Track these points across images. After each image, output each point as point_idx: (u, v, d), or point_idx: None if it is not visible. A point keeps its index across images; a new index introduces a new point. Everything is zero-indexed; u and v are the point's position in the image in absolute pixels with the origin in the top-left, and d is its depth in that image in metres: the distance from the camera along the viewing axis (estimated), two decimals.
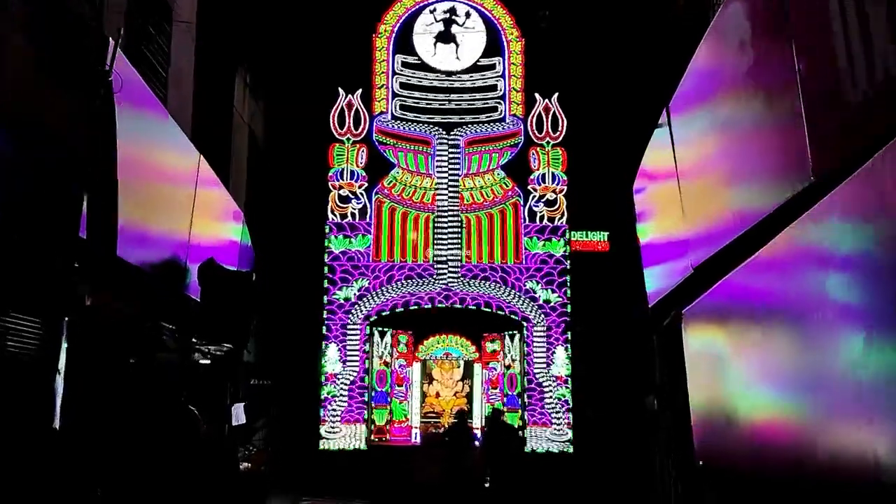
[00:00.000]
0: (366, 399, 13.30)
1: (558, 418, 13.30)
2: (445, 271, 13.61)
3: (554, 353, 13.51)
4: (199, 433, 5.52)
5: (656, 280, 7.27)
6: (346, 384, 13.23)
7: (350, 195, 13.70)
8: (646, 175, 7.70)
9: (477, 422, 13.27)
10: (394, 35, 14.37)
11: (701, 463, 5.41)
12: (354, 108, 13.95)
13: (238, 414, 8.40)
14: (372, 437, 13.30)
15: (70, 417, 3.82)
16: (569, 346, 13.50)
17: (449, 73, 14.36)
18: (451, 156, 13.94)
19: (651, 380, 9.34)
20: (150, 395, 5.28)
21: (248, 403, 10.47)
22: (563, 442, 13.24)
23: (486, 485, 10.46)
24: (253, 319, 5.91)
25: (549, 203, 13.91)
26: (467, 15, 14.65)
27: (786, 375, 3.75)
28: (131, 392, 5.17)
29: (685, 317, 5.71)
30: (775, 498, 4.16)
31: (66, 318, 3.73)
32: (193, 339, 5.70)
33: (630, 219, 11.58)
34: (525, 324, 13.58)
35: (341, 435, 13.07)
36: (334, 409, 13.14)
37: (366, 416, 13.22)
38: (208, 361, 7.12)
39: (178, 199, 6.13)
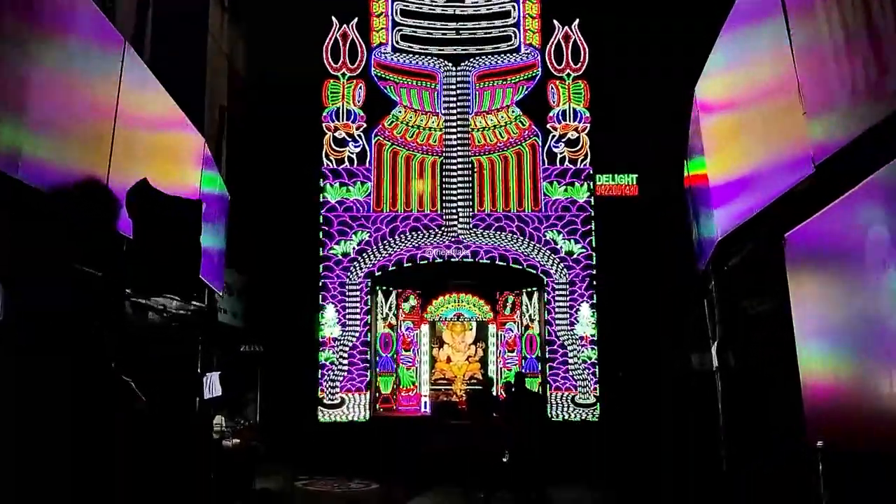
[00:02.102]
0: (369, 365, 11.97)
1: (584, 383, 11.94)
2: (455, 222, 12.15)
3: (578, 310, 12.12)
4: (135, 410, 4.18)
5: (730, 214, 5.77)
6: (345, 349, 11.93)
7: (347, 137, 12.25)
8: (710, 103, 6.24)
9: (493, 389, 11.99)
10: None
11: (820, 444, 3.95)
12: (350, 40, 12.45)
13: (213, 385, 7.05)
14: (377, 407, 12.03)
15: None
16: (594, 302, 12.07)
17: None
18: (459, 92, 12.44)
19: (698, 335, 8.09)
20: (68, 363, 3.90)
21: (235, 373, 9.21)
22: (589, 408, 11.91)
23: (504, 459, 9.24)
24: (199, 261, 4.48)
25: (571, 143, 12.42)
26: None
27: None
28: (39, 361, 3.81)
29: (790, 245, 4.16)
30: None
31: None
32: (127, 290, 4.29)
33: (666, 158, 10.02)
34: (545, 279, 12.17)
35: (342, 405, 11.78)
36: (333, 378, 11.84)
37: (369, 384, 11.90)
38: (176, 323, 5.82)
39: (103, 125, 4.64)
